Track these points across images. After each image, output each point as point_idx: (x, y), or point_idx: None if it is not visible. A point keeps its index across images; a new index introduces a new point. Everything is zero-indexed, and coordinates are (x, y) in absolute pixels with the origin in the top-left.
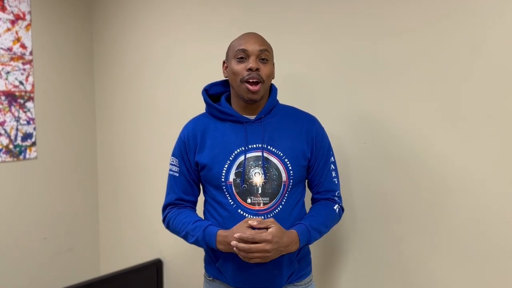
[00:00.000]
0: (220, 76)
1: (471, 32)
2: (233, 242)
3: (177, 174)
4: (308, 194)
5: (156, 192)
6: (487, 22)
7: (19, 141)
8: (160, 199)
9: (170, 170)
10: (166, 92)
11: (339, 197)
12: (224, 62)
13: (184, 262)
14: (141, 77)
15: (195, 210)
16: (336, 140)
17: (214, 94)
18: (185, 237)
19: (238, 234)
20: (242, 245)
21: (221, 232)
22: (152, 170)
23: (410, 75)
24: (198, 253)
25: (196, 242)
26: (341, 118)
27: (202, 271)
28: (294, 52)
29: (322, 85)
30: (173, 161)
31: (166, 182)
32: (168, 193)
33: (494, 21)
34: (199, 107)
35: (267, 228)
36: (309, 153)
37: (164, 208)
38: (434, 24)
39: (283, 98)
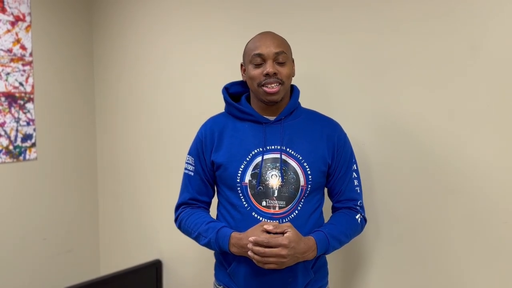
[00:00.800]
0: (221, 77)
1: (470, 31)
2: (249, 245)
3: (192, 174)
4: (327, 204)
5: (156, 193)
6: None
7: (19, 142)
8: (160, 200)
9: (186, 169)
10: (167, 92)
11: (362, 207)
12: (242, 65)
13: (184, 263)
14: (141, 78)
15: (208, 211)
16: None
17: (234, 93)
18: (197, 239)
19: (253, 237)
20: (257, 248)
21: (235, 235)
22: (152, 170)
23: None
24: (198, 254)
25: (208, 244)
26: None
27: (202, 272)
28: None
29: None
30: (189, 159)
31: (181, 181)
32: (182, 192)
33: None
34: (202, 107)
35: (283, 233)
36: (330, 159)
37: (177, 207)
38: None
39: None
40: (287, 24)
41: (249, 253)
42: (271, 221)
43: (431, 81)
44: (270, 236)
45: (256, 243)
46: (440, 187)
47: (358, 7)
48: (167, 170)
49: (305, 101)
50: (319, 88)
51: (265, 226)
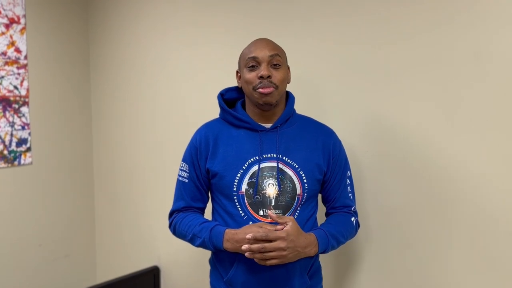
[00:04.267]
0: (219, 80)
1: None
2: (245, 246)
3: (186, 180)
4: (321, 210)
5: (153, 198)
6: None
7: (13, 147)
8: (158, 206)
9: (179, 175)
10: (164, 96)
11: (355, 212)
12: (237, 72)
13: (182, 269)
14: (138, 82)
15: (203, 215)
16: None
17: (229, 99)
18: (192, 240)
19: (250, 234)
20: (255, 245)
21: (229, 230)
22: (150, 176)
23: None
24: (195, 261)
25: (203, 244)
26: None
27: (200, 278)
28: (297, 57)
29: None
30: (183, 166)
31: (174, 187)
32: (176, 200)
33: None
34: (198, 111)
35: (284, 227)
36: (325, 167)
37: (171, 214)
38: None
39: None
40: (286, 30)
41: (247, 254)
42: (275, 214)
43: (428, 88)
44: (268, 230)
45: (255, 239)
46: (433, 192)
47: (355, 15)
48: (164, 174)
49: (299, 107)
50: (312, 93)
51: (269, 212)
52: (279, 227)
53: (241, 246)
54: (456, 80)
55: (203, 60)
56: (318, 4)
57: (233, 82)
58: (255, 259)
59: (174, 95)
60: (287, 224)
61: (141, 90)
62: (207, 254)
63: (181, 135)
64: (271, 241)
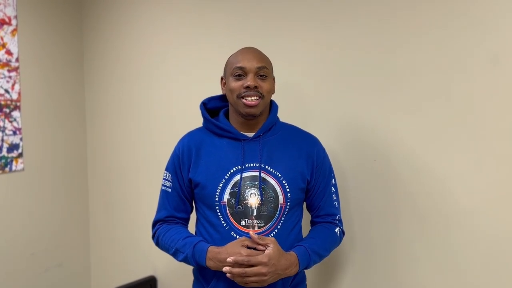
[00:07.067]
0: (214, 81)
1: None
2: (226, 268)
3: (169, 190)
4: (306, 218)
5: (149, 205)
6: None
7: (4, 153)
8: (153, 213)
9: (163, 185)
10: (159, 101)
11: (340, 221)
12: (222, 78)
13: (179, 279)
14: (133, 85)
15: (186, 227)
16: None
17: (213, 108)
18: (175, 255)
19: (231, 258)
20: (236, 270)
21: (212, 249)
22: (145, 183)
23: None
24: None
25: (185, 260)
26: (337, 132)
27: None
28: (290, 60)
29: (317, 96)
30: (166, 175)
31: (158, 197)
32: (159, 209)
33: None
34: (194, 116)
35: (265, 248)
36: (309, 175)
37: (154, 224)
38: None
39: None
40: (284, 31)
41: (228, 275)
42: (256, 235)
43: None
44: (250, 253)
45: (236, 263)
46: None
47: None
48: (160, 182)
49: (281, 111)
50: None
51: (250, 233)
52: (260, 247)
53: (223, 266)
54: (446, 85)
55: (200, 61)
56: (307, 7)
57: None
58: (235, 281)
59: (170, 99)
60: (268, 246)
61: (136, 94)
62: None
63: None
64: (252, 265)
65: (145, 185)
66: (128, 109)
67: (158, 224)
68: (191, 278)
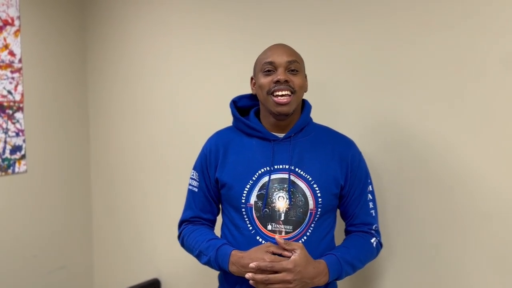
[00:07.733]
0: (220, 84)
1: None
2: (248, 275)
3: (196, 190)
4: (340, 226)
5: (154, 207)
6: None
7: (7, 154)
8: (158, 215)
9: (190, 184)
10: (164, 101)
11: (377, 231)
12: (252, 78)
13: (183, 282)
14: (136, 86)
15: (212, 229)
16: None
17: (243, 107)
18: (198, 257)
19: (254, 263)
20: (259, 276)
21: (235, 252)
22: (149, 183)
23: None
24: (197, 273)
25: (208, 263)
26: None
27: None
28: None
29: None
30: (193, 175)
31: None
32: (185, 209)
33: None
34: (200, 116)
35: (291, 254)
36: (343, 180)
37: (180, 224)
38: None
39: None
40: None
41: (251, 282)
42: (282, 240)
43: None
44: (274, 259)
45: (259, 268)
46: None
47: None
48: (165, 183)
49: (316, 116)
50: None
51: (276, 238)
52: (286, 253)
53: (246, 272)
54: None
55: (204, 62)
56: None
57: (232, 83)
58: None
59: (175, 99)
60: (295, 252)
61: (140, 96)
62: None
63: (183, 141)
64: (276, 271)
65: (149, 186)
66: (132, 110)
67: (183, 224)
68: (195, 281)
